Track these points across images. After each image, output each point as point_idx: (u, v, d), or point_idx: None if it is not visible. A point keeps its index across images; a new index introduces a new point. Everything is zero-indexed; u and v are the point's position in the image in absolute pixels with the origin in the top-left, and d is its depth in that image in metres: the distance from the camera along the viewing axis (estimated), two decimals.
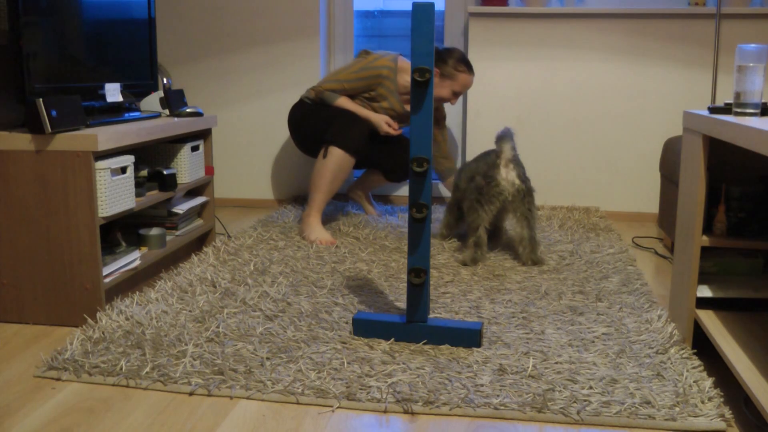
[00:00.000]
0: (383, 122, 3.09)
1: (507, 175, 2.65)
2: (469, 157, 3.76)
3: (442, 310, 2.19)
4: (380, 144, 3.31)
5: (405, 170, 3.35)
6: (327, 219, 3.37)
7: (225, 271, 2.54)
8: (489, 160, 2.71)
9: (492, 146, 3.74)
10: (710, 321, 1.80)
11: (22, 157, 2.04)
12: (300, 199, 3.92)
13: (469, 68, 3.16)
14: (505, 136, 2.69)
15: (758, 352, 1.60)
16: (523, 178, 2.67)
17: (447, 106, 3.91)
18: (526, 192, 2.66)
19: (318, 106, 3.14)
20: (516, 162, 2.68)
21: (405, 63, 3.17)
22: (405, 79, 3.15)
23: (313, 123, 3.10)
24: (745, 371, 1.50)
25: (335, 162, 2.95)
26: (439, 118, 3.46)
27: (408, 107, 3.18)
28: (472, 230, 2.68)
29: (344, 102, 3.12)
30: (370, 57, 3.14)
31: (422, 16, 1.78)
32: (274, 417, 1.56)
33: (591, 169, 3.72)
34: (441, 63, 3.15)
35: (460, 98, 3.92)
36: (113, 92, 2.47)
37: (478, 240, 2.66)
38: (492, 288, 2.40)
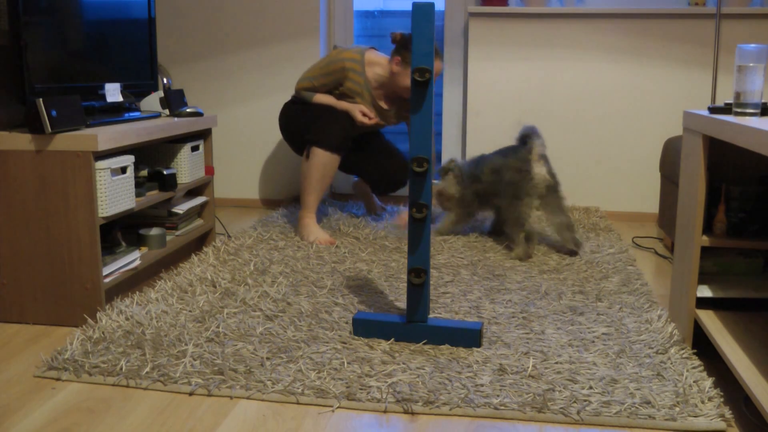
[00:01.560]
0: (357, 111, 2.99)
1: (540, 170, 2.78)
2: (469, 155, 3.75)
3: (442, 310, 2.19)
4: (363, 152, 3.26)
5: (390, 183, 3.28)
6: (327, 219, 3.37)
7: (225, 271, 2.54)
8: (520, 155, 2.80)
9: (491, 146, 3.74)
10: (710, 321, 1.80)
11: (22, 157, 2.04)
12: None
13: (435, 53, 2.96)
14: (533, 133, 2.82)
15: (758, 352, 1.60)
16: (552, 172, 2.82)
17: (448, 105, 3.91)
18: (555, 186, 2.81)
19: (300, 105, 3.12)
20: (545, 158, 2.82)
21: (375, 56, 3.06)
22: (376, 72, 3.03)
23: (297, 122, 3.08)
24: (745, 371, 1.50)
25: (319, 162, 2.94)
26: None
27: (382, 103, 3.10)
28: (518, 226, 2.76)
29: (321, 98, 3.07)
30: (335, 51, 3.07)
31: (422, 16, 1.78)
32: (274, 417, 1.56)
33: (591, 169, 3.71)
34: (404, 50, 2.97)
35: (460, 97, 3.91)
36: (113, 92, 2.47)
37: (528, 235, 2.74)
38: (492, 288, 2.40)
